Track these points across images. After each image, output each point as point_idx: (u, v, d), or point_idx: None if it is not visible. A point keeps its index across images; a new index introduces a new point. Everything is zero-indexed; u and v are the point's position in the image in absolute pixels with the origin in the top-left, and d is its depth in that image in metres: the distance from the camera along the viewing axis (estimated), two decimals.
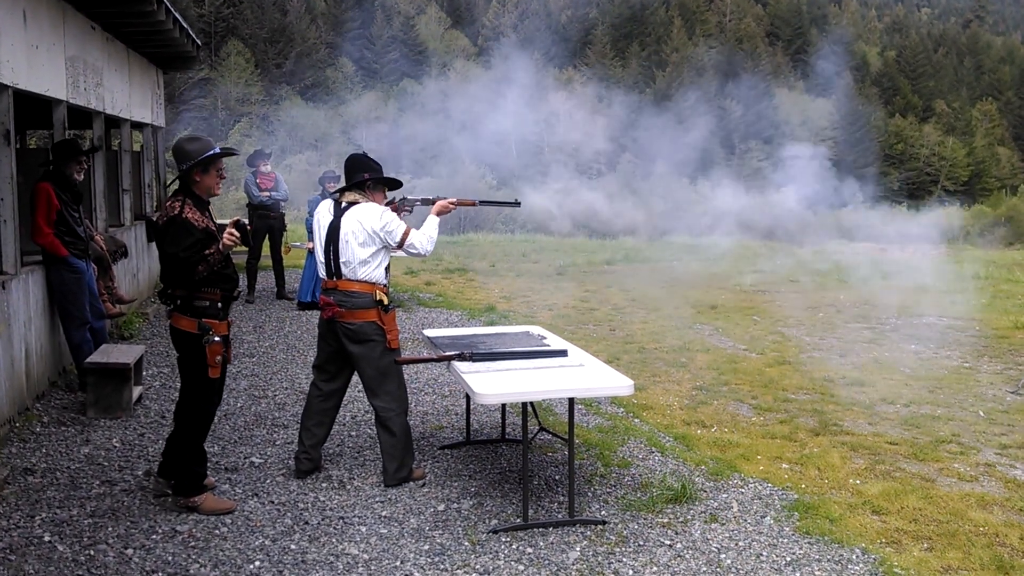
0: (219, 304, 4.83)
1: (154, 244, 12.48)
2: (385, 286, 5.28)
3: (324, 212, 5.37)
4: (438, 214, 5.52)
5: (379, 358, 5.22)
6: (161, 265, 4.92)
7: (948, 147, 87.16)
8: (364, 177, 5.30)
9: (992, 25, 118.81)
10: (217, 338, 4.77)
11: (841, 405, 7.31)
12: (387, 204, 5.53)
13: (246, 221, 4.85)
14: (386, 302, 5.22)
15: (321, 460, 5.56)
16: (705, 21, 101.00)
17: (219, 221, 5.31)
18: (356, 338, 5.19)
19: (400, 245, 5.25)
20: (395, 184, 5.59)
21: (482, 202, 6.55)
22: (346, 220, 5.22)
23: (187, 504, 4.87)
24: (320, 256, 5.33)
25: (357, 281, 5.18)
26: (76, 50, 8.58)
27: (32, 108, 9.61)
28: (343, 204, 5.31)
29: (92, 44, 9.29)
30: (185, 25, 11.12)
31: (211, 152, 4.82)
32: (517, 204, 6.56)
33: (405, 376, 5.68)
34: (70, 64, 8.34)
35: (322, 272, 5.34)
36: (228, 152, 5.04)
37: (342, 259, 5.19)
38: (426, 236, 5.33)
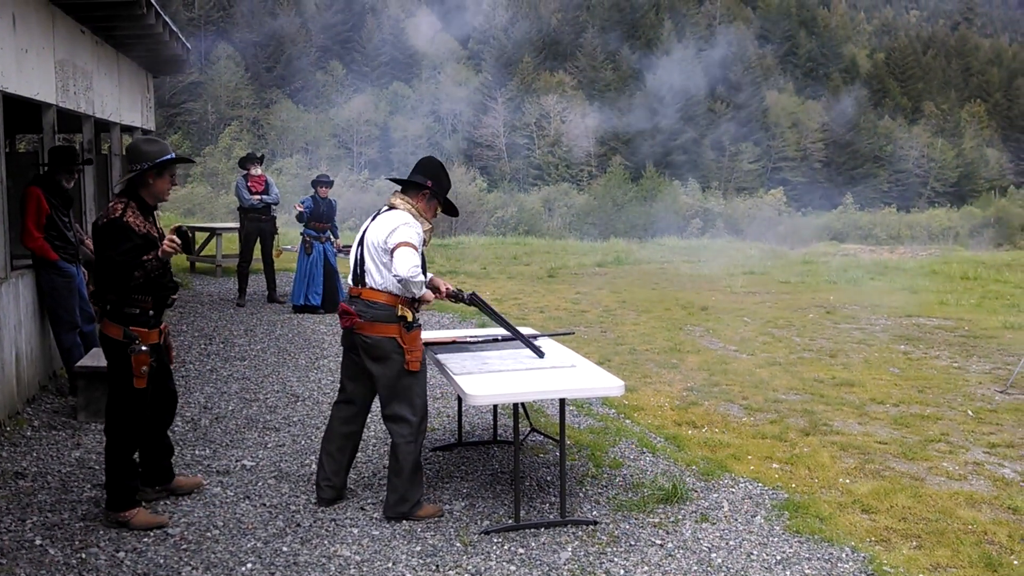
0: (150, 312, 4.68)
1: None
2: (414, 301, 4.87)
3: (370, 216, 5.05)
4: (429, 292, 5.09)
5: (396, 378, 4.80)
6: (95, 268, 4.74)
7: (937, 149, 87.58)
8: (427, 184, 4.91)
9: (980, 27, 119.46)
10: (144, 348, 4.58)
11: (831, 405, 7.34)
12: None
13: (188, 227, 4.72)
14: (410, 318, 4.76)
15: (345, 488, 5.16)
16: (695, 24, 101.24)
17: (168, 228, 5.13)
18: (373, 354, 4.81)
19: (391, 251, 4.71)
20: (452, 209, 5.15)
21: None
22: (374, 224, 4.88)
23: (117, 519, 4.67)
24: (351, 262, 5.00)
25: (383, 292, 4.77)
26: (66, 54, 8.57)
27: (21, 112, 9.59)
28: (382, 209, 4.97)
29: (82, 48, 9.27)
30: (175, 29, 11.10)
31: (169, 156, 4.72)
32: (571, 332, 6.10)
33: None
34: (60, 68, 8.33)
35: (350, 278, 5.01)
36: (185, 159, 4.90)
37: (366, 266, 4.84)
38: (415, 265, 4.65)
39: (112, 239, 4.53)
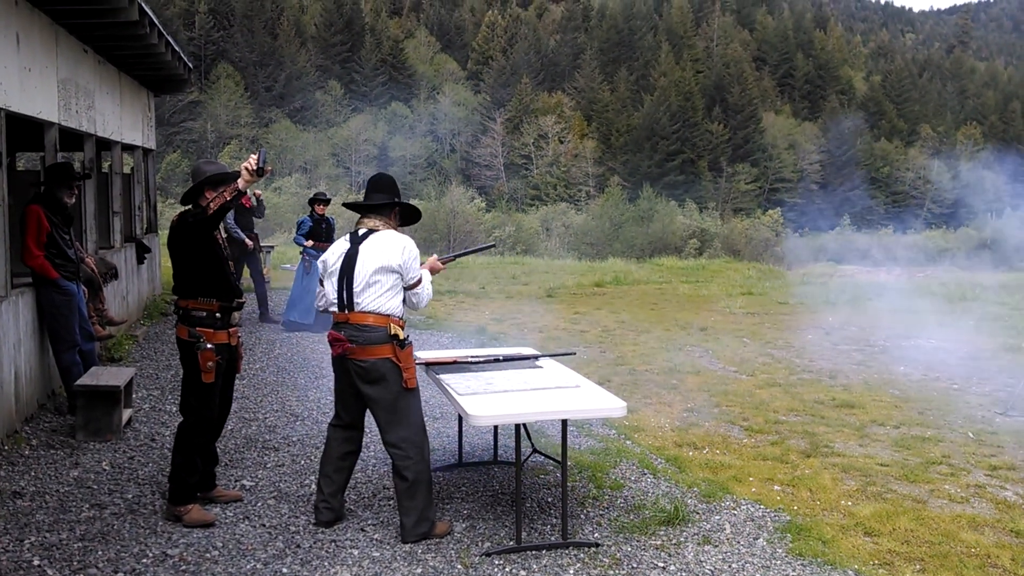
0: (216, 314, 5.02)
1: (144, 267, 12.45)
2: (401, 319, 4.86)
3: (340, 242, 4.97)
4: (431, 272, 5.23)
5: (394, 399, 4.77)
6: (174, 274, 5.11)
7: (933, 171, 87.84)
8: (393, 202, 4.96)
9: (976, 51, 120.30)
10: (209, 345, 4.95)
11: (832, 427, 7.33)
12: None
13: (265, 154, 4.78)
14: (402, 336, 4.77)
15: (343, 508, 5.15)
16: (692, 46, 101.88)
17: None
18: (368, 377, 4.77)
19: (411, 286, 4.87)
20: (415, 215, 5.21)
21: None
22: (366, 247, 4.81)
23: (174, 512, 5.03)
24: (333, 290, 4.88)
25: (371, 313, 4.75)
26: (68, 72, 8.60)
27: (23, 130, 9.62)
28: (360, 232, 4.90)
29: (84, 67, 9.31)
30: (177, 48, 11.16)
31: (224, 171, 5.16)
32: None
33: None
34: (62, 87, 8.36)
35: (332, 306, 4.90)
36: (235, 173, 5.21)
37: (356, 288, 4.76)
38: (429, 289, 5.05)
39: (186, 230, 4.92)
